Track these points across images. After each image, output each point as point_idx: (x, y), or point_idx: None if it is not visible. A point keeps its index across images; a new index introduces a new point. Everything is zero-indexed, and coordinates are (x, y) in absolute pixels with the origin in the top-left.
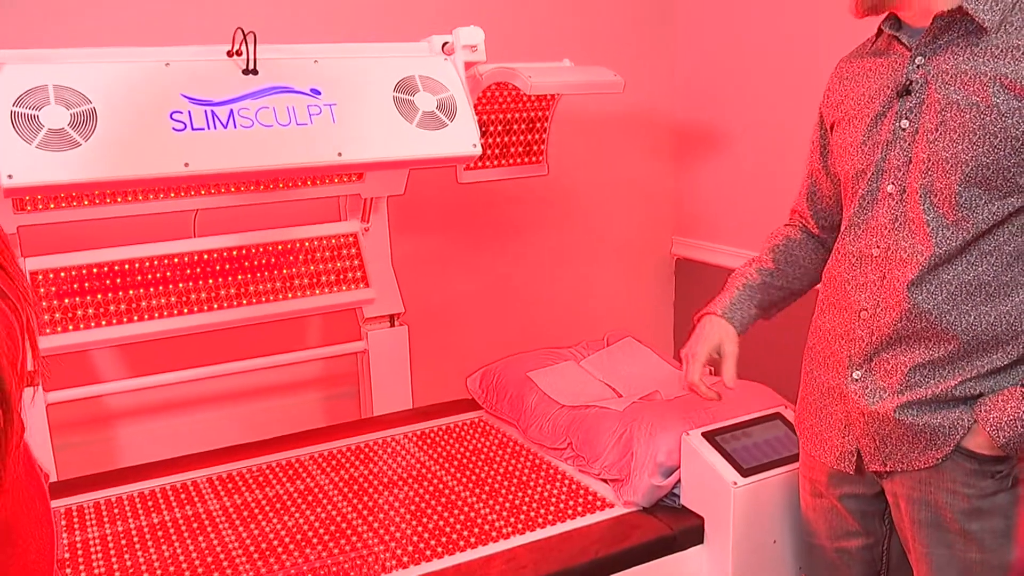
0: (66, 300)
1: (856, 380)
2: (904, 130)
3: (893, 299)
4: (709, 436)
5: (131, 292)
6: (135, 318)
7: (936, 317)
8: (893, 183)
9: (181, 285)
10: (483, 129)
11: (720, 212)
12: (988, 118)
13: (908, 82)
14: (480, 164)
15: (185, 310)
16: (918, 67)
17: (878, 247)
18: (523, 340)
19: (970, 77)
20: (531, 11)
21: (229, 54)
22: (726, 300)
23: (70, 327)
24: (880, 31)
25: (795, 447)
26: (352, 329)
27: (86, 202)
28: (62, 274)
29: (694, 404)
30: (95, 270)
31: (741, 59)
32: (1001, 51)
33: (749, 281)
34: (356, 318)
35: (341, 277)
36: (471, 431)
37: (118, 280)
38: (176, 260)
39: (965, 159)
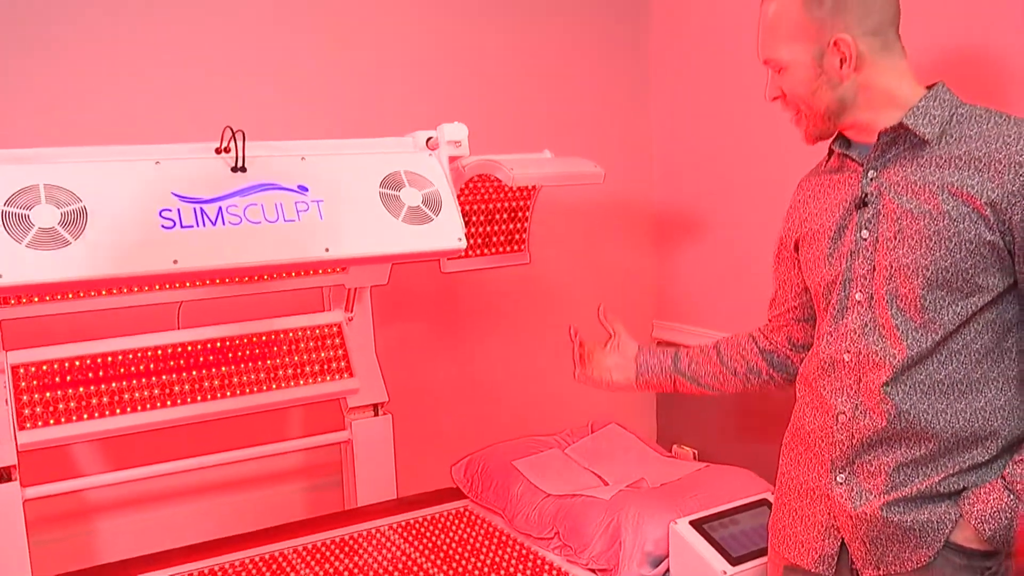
0: (47, 394)
1: (840, 483)
2: (865, 240)
3: (870, 402)
4: (697, 524)
5: (114, 385)
6: (118, 411)
7: (914, 417)
8: (861, 291)
9: (164, 377)
10: (466, 219)
11: (699, 295)
12: (941, 224)
13: (864, 194)
14: (463, 254)
15: (168, 403)
16: (871, 180)
17: (849, 352)
18: (507, 428)
19: (920, 187)
20: (508, 102)
21: (217, 151)
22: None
23: (51, 421)
24: (831, 151)
25: None
26: (335, 418)
27: (70, 296)
28: (44, 367)
29: (681, 491)
30: (77, 363)
31: (718, 145)
32: (945, 161)
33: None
34: (339, 407)
35: (326, 367)
36: (456, 521)
37: (100, 373)
38: (160, 352)
39: (925, 264)
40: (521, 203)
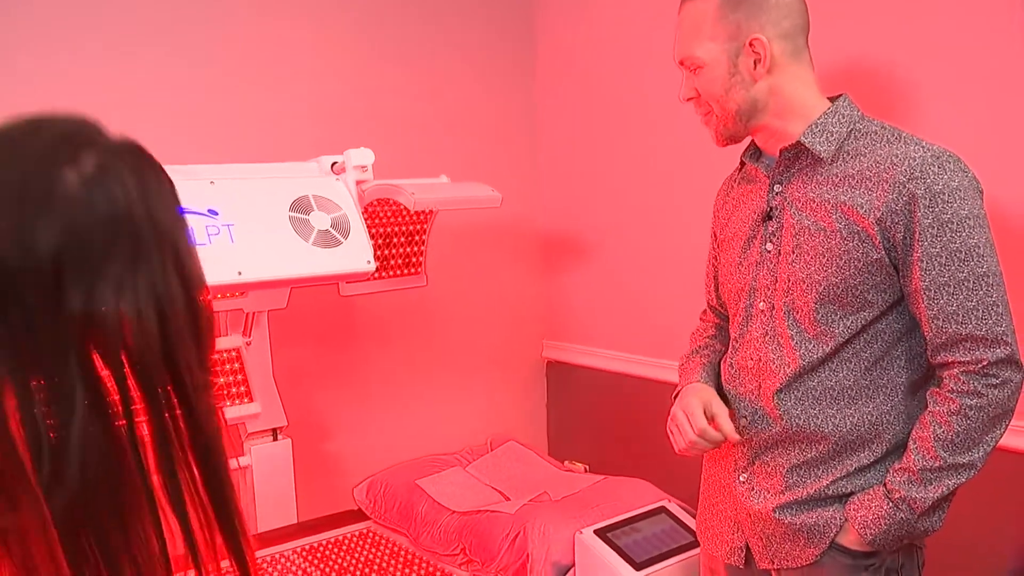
0: None
1: (742, 482)
2: (769, 252)
3: (767, 407)
4: (601, 533)
5: None
6: None
7: (804, 422)
8: (764, 301)
9: None
10: None
11: (587, 315)
12: (834, 242)
13: (769, 208)
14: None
15: None
16: (776, 194)
17: (751, 359)
18: (407, 447)
19: (817, 204)
20: (400, 128)
21: None
22: (698, 371)
23: None
24: (742, 163)
25: (683, 538)
26: (232, 443)
27: None
28: None
29: (583, 503)
30: None
31: (600, 170)
32: (840, 179)
33: (710, 359)
34: (237, 432)
35: (225, 392)
36: (361, 542)
37: None
38: None
39: (818, 279)
40: (418, 227)
